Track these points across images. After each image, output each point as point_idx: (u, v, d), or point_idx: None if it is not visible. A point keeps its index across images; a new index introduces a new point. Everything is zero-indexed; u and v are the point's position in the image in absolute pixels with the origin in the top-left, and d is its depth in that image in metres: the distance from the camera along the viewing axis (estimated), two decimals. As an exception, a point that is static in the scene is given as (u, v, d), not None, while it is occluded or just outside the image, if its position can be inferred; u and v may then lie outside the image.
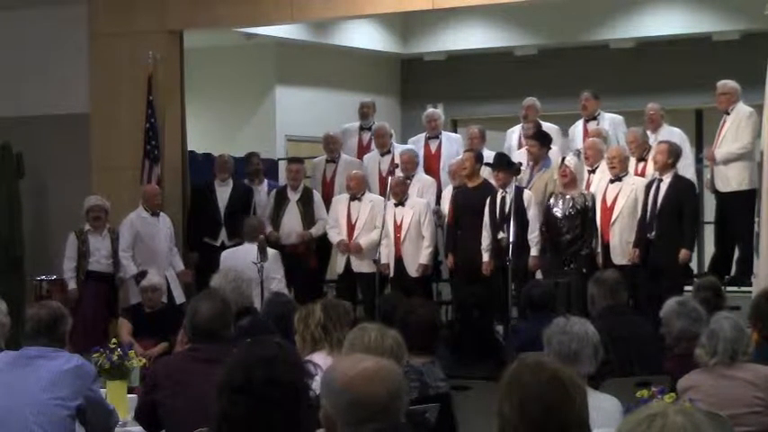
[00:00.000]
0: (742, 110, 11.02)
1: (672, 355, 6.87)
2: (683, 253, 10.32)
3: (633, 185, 10.69)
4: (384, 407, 3.13)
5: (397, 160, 11.98)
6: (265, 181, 12.69)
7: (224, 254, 11.13)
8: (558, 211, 10.74)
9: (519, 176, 10.97)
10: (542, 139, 11.54)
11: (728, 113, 11.04)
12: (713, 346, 5.89)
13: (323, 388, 3.20)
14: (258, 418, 3.28)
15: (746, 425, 5.73)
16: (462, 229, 11.29)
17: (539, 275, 10.81)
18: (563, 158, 11.00)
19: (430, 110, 13.23)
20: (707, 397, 5.76)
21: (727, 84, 11.11)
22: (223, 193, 12.24)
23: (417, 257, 11.44)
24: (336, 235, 11.84)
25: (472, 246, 11.13)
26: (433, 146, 12.61)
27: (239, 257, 10.46)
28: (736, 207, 10.94)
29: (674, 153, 10.54)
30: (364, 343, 4.85)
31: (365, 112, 13.21)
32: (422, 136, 12.83)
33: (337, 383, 3.16)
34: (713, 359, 5.88)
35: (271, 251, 10.76)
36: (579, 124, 12.28)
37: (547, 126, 12.33)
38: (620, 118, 12.23)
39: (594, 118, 12.10)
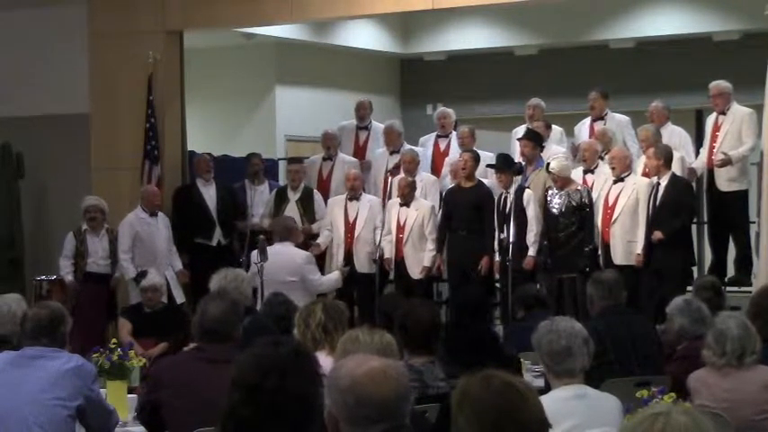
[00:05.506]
0: (740, 110, 11.04)
1: (675, 357, 6.86)
2: (656, 234, 10.33)
3: (635, 185, 10.65)
4: (390, 407, 3.09)
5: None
6: (266, 182, 12.67)
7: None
8: (554, 208, 10.75)
9: (519, 176, 10.98)
10: (535, 139, 11.51)
11: (724, 114, 11.05)
12: (721, 346, 5.85)
13: (328, 387, 3.16)
14: (264, 423, 3.25)
15: (761, 429, 5.70)
16: (454, 228, 11.30)
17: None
18: (548, 164, 10.94)
19: (441, 108, 13.13)
20: (720, 402, 5.74)
21: (721, 84, 11.12)
22: (207, 192, 12.21)
23: (418, 259, 11.43)
24: (329, 236, 11.81)
25: (464, 245, 11.14)
26: (443, 145, 12.59)
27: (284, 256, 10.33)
28: (738, 206, 11.05)
29: (663, 153, 10.52)
30: (358, 343, 4.89)
31: (362, 114, 13.20)
32: (432, 135, 12.82)
33: (343, 383, 3.11)
34: (722, 360, 5.85)
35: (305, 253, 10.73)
36: (586, 122, 12.11)
37: (553, 128, 12.27)
38: (626, 119, 12.02)
39: (602, 118, 11.92)
